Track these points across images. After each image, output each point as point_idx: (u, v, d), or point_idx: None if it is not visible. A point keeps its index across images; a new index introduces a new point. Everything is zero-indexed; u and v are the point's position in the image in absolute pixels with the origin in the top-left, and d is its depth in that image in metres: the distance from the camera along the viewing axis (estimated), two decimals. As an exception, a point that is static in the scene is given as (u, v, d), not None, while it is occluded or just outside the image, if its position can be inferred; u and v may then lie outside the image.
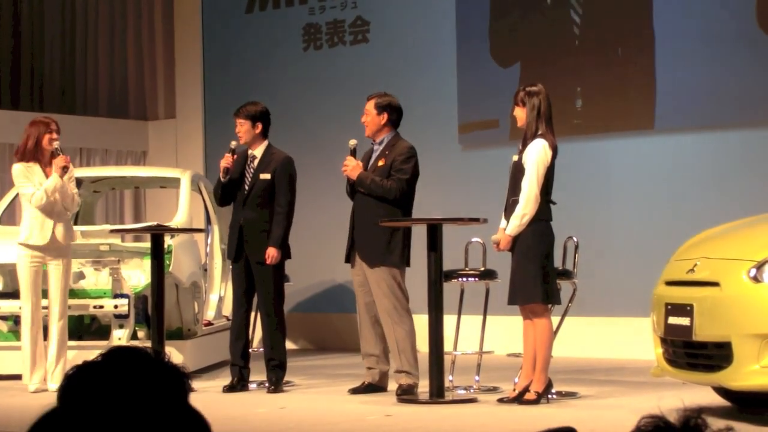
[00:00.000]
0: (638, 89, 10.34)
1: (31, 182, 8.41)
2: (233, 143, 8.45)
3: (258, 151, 8.46)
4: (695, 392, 6.94)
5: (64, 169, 8.37)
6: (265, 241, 8.29)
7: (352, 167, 8.02)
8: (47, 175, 8.42)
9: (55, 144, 8.42)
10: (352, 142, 8.11)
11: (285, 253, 8.37)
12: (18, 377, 8.65)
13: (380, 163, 8.07)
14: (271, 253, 8.26)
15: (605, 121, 10.54)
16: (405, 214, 8.05)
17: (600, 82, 10.54)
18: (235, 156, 8.41)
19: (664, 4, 10.26)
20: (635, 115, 10.38)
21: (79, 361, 1.91)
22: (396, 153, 8.07)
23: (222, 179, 8.38)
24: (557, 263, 7.79)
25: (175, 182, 10.62)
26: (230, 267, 8.95)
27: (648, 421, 1.45)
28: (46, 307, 8.52)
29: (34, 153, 8.45)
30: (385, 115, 8.11)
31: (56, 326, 8.49)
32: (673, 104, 10.17)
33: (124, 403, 1.83)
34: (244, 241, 8.35)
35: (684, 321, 6.38)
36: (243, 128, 8.42)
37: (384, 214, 7.92)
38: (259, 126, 8.45)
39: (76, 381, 1.90)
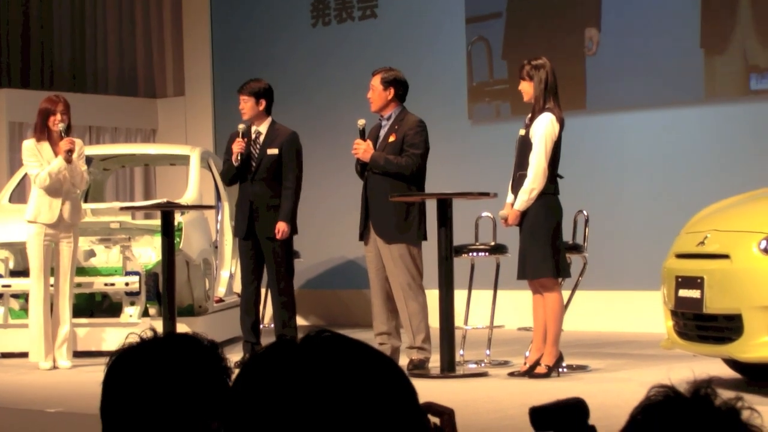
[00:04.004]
0: (649, 63, 10.31)
1: (38, 161, 8.39)
2: (241, 126, 8.45)
3: (263, 128, 8.49)
4: (705, 364, 6.95)
5: (69, 152, 8.34)
6: (274, 216, 8.32)
7: (364, 149, 7.94)
8: (56, 155, 8.41)
9: (60, 126, 8.37)
10: (361, 122, 8.02)
11: (292, 228, 8.40)
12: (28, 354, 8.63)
13: (391, 139, 7.99)
14: (282, 228, 8.29)
15: (616, 95, 10.51)
16: (419, 190, 7.99)
17: (617, 56, 10.51)
18: (245, 138, 8.43)
19: None
20: (648, 89, 10.34)
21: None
22: (406, 128, 8.00)
23: (235, 163, 8.39)
24: (567, 237, 7.79)
25: (184, 159, 10.63)
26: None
27: (658, 391, 1.45)
28: (51, 285, 8.52)
29: (42, 132, 8.45)
30: (392, 90, 8.01)
31: (67, 304, 8.49)
32: (683, 79, 10.13)
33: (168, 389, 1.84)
34: (254, 218, 8.37)
35: (694, 293, 6.39)
36: (247, 105, 8.46)
37: (398, 190, 7.87)
38: (263, 103, 8.48)
39: (122, 365, 1.90)
